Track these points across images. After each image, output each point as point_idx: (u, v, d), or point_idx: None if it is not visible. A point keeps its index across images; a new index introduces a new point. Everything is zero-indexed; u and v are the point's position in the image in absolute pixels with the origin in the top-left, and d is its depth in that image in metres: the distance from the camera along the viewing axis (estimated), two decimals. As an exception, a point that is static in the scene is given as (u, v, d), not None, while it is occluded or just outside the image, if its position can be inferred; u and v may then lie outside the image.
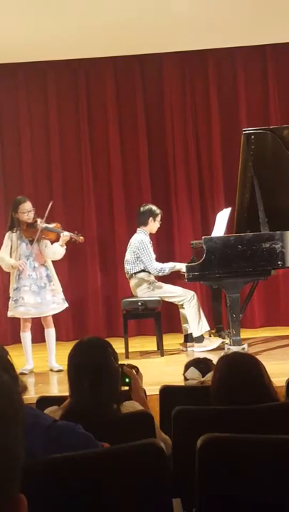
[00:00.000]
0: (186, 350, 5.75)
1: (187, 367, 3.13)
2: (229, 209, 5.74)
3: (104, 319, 7.15)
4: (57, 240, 5.22)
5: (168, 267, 5.79)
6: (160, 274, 5.81)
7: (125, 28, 6.24)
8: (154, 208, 5.98)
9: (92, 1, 5.72)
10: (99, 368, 2.20)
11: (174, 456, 2.19)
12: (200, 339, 5.76)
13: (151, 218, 5.93)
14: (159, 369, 5.07)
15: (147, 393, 2.85)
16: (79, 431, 1.80)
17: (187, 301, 5.78)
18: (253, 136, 5.21)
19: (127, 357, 5.53)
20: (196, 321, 5.75)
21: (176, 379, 3.46)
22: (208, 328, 5.88)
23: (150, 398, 2.97)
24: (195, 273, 5.12)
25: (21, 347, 5.26)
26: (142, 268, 5.83)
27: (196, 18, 6.19)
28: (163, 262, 5.96)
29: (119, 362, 2.36)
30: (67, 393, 2.29)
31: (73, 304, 6.83)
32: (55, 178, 7.19)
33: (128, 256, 5.93)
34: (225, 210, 5.83)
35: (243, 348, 5.05)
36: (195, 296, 5.83)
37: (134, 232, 6.04)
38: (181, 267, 5.63)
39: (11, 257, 5.19)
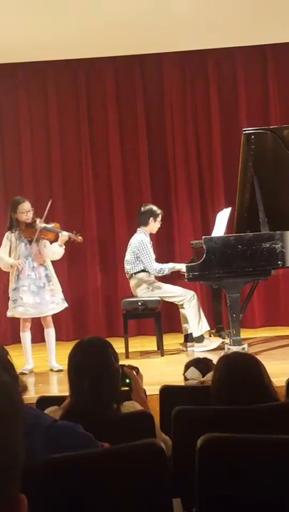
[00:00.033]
0: (186, 350, 5.75)
1: (187, 367, 3.13)
2: (229, 209, 5.74)
3: (104, 319, 7.15)
4: (56, 239, 5.22)
5: (167, 267, 5.79)
6: (159, 274, 5.81)
7: (125, 28, 6.24)
8: (154, 208, 5.97)
9: (92, 1, 5.72)
10: (99, 367, 2.20)
11: (174, 456, 2.19)
12: (200, 339, 5.76)
13: (151, 218, 5.93)
14: (159, 369, 5.07)
15: (147, 393, 2.85)
16: (79, 431, 1.80)
17: (187, 301, 5.78)
18: (253, 136, 5.21)
19: (127, 357, 5.53)
20: (196, 321, 5.75)
21: (176, 379, 3.46)
22: (208, 328, 5.88)
23: (150, 398, 2.97)
24: (195, 273, 5.12)
25: (21, 347, 5.26)
26: (142, 268, 5.83)
27: (196, 18, 6.19)
28: (163, 262, 5.96)
29: (120, 362, 2.36)
30: (67, 393, 2.29)
31: (73, 303, 6.84)
32: (55, 178, 7.19)
33: (128, 256, 5.93)
34: (225, 210, 5.83)
35: (243, 348, 5.05)
36: (195, 296, 5.83)
37: (134, 232, 6.04)
38: (181, 267, 5.63)
39: (9, 257, 5.19)
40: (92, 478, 1.59)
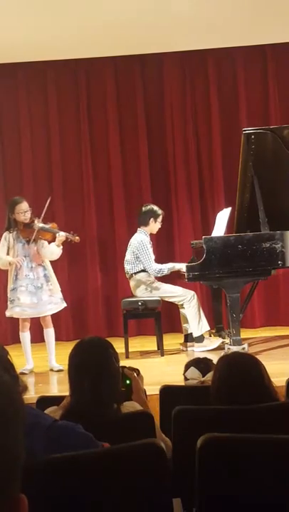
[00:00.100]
0: (186, 350, 5.75)
1: (187, 367, 3.13)
2: (229, 209, 5.74)
3: (104, 319, 7.15)
4: (53, 240, 5.22)
5: (167, 267, 5.79)
6: (159, 275, 5.81)
7: (125, 28, 6.24)
8: (155, 208, 5.97)
9: (92, 1, 5.72)
10: (100, 367, 2.20)
11: (174, 456, 2.19)
12: (200, 339, 5.76)
13: (152, 219, 5.92)
14: (159, 369, 5.07)
15: (147, 393, 2.85)
16: (79, 431, 1.80)
17: (187, 301, 5.78)
18: (253, 136, 5.21)
19: (127, 357, 5.53)
20: (196, 321, 5.75)
21: (177, 379, 3.46)
22: (209, 328, 5.88)
23: (150, 398, 2.97)
24: (195, 273, 5.12)
25: (21, 347, 5.27)
26: (142, 268, 5.83)
27: (196, 18, 6.19)
28: (163, 262, 5.96)
29: (120, 362, 2.36)
30: (67, 393, 2.29)
31: (73, 303, 6.84)
32: (55, 178, 7.19)
33: (128, 256, 5.93)
34: (225, 209, 5.83)
35: (243, 348, 5.06)
36: (195, 296, 5.83)
37: (135, 232, 6.04)
38: (181, 266, 5.63)
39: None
40: (92, 478, 1.59)
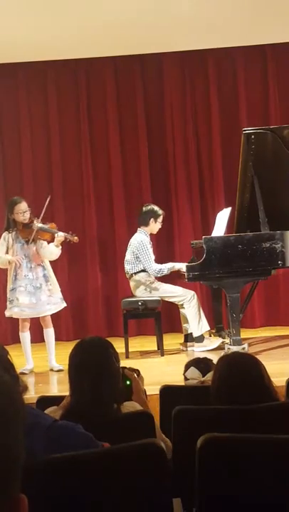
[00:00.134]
0: (186, 350, 5.75)
1: (187, 367, 3.13)
2: (229, 209, 5.74)
3: (104, 319, 7.15)
4: (52, 240, 5.21)
5: (167, 267, 5.79)
6: (159, 275, 5.81)
7: (125, 28, 6.24)
8: (156, 208, 5.96)
9: (92, 1, 5.72)
10: (100, 367, 2.20)
11: (174, 456, 2.19)
12: (200, 339, 5.76)
13: (152, 219, 5.92)
14: (159, 369, 5.07)
15: (147, 393, 2.85)
16: (79, 431, 1.80)
17: (187, 300, 5.78)
18: (253, 136, 5.21)
19: (127, 357, 5.53)
20: (196, 321, 5.75)
21: (177, 379, 3.46)
22: (209, 328, 5.88)
23: (150, 398, 2.97)
24: (195, 273, 5.12)
25: (21, 347, 5.26)
26: (142, 268, 5.83)
27: (196, 18, 6.19)
28: (163, 261, 5.96)
29: (120, 363, 2.36)
30: (67, 393, 2.29)
31: (73, 303, 6.84)
32: (55, 178, 7.19)
33: (128, 256, 5.93)
34: (225, 209, 5.83)
35: (243, 348, 5.06)
36: (195, 296, 5.83)
37: (135, 232, 6.04)
38: (181, 266, 5.63)
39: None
40: (92, 478, 1.59)
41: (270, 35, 6.86)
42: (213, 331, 6.05)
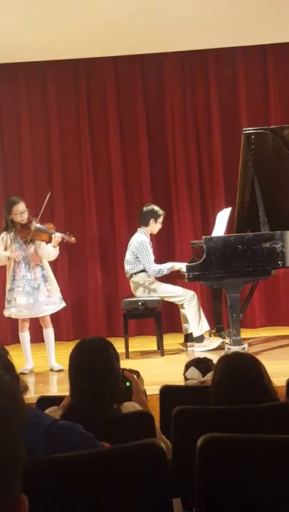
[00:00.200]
0: (187, 350, 5.75)
1: (187, 367, 3.14)
2: (229, 209, 5.74)
3: (104, 319, 7.15)
4: (50, 240, 5.21)
5: (166, 267, 5.78)
6: (158, 275, 5.81)
7: (125, 28, 6.24)
8: (156, 208, 5.96)
9: (92, 1, 5.72)
10: (100, 367, 2.20)
11: (174, 456, 2.19)
12: (200, 339, 5.76)
13: (152, 219, 5.92)
14: (159, 369, 5.07)
15: (147, 393, 2.85)
16: (79, 431, 1.80)
17: (187, 301, 5.78)
18: (253, 136, 5.21)
19: (127, 357, 5.53)
20: (196, 321, 5.75)
21: (177, 379, 3.46)
22: (209, 328, 5.88)
23: (150, 398, 2.97)
24: (195, 273, 5.12)
25: (21, 347, 5.26)
26: (142, 268, 5.83)
27: (196, 18, 6.19)
28: (163, 262, 5.96)
29: (120, 365, 2.36)
30: (67, 393, 2.29)
31: (74, 303, 6.85)
32: (55, 178, 7.19)
33: (128, 256, 5.93)
34: (225, 209, 5.83)
35: (244, 348, 5.06)
36: (195, 296, 5.83)
37: (135, 232, 6.04)
38: (181, 266, 5.62)
39: None
40: (92, 478, 1.59)
41: (270, 35, 6.86)
42: (213, 331, 6.05)
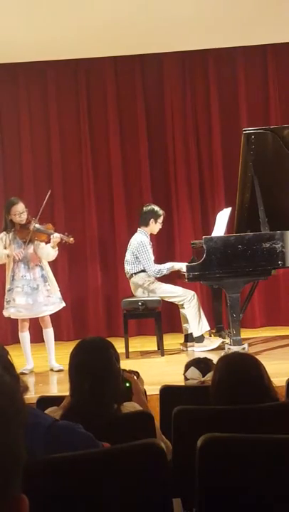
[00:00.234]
0: (187, 350, 5.75)
1: (187, 367, 3.14)
2: (229, 209, 5.74)
3: (104, 319, 7.15)
4: (49, 241, 5.21)
5: (166, 268, 5.78)
6: (158, 275, 5.81)
7: (125, 28, 6.24)
8: (156, 208, 5.96)
9: (92, 1, 5.72)
10: (100, 367, 2.20)
11: (174, 456, 2.19)
12: (200, 339, 5.76)
13: (152, 220, 5.92)
14: (159, 369, 5.07)
15: (148, 393, 2.85)
16: (79, 431, 1.80)
17: (187, 301, 5.78)
18: (253, 136, 5.21)
19: (127, 357, 5.53)
20: (196, 321, 5.75)
21: (177, 379, 3.46)
22: (209, 328, 5.88)
23: (150, 398, 2.98)
24: (195, 273, 5.12)
25: (21, 347, 5.26)
26: (142, 268, 5.83)
27: (196, 18, 6.19)
28: (163, 261, 5.96)
29: (120, 365, 2.36)
30: (67, 393, 2.29)
31: (74, 303, 6.85)
32: (55, 178, 7.18)
33: (128, 256, 5.93)
34: (225, 209, 5.83)
35: (244, 348, 5.06)
36: (195, 296, 5.83)
37: (135, 232, 6.03)
38: (180, 266, 5.62)
39: None
40: (92, 478, 1.59)
41: (270, 35, 6.86)
42: (214, 331, 6.05)
